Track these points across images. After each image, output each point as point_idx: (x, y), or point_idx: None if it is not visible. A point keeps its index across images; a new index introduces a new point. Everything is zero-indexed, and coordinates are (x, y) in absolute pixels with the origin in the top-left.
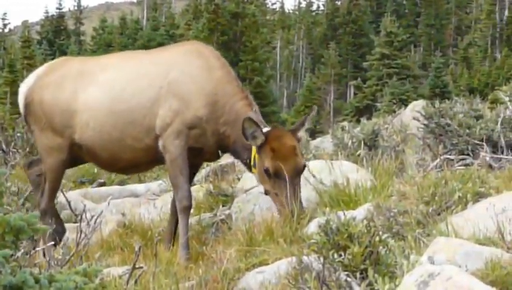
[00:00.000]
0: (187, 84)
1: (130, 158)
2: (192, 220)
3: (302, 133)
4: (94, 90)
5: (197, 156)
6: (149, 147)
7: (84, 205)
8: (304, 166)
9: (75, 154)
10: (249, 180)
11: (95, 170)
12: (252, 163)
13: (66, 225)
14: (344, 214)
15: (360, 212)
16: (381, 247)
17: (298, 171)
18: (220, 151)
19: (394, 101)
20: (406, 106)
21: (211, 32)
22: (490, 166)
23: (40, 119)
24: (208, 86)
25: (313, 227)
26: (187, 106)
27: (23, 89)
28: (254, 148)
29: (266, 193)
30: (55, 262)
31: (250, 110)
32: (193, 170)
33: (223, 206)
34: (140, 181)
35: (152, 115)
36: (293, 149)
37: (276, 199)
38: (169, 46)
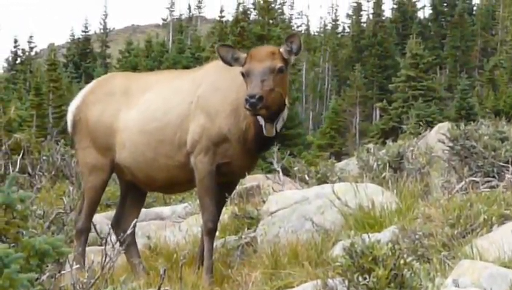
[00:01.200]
0: (213, 98)
1: (165, 177)
2: (218, 242)
3: (284, 51)
4: (133, 110)
5: (227, 173)
6: (182, 164)
7: (110, 228)
8: (280, 68)
9: (118, 174)
10: (275, 202)
11: None
12: None
13: (91, 248)
14: (369, 236)
15: (385, 235)
16: (406, 270)
17: (270, 68)
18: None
19: (420, 123)
20: (432, 128)
21: None
22: None
23: (85, 137)
24: (231, 95)
25: (338, 250)
26: (213, 121)
27: (71, 107)
28: None
29: None
30: (80, 285)
31: None
32: (227, 191)
33: (248, 229)
34: (165, 204)
35: (182, 131)
36: (271, 53)
37: None
38: (207, 64)
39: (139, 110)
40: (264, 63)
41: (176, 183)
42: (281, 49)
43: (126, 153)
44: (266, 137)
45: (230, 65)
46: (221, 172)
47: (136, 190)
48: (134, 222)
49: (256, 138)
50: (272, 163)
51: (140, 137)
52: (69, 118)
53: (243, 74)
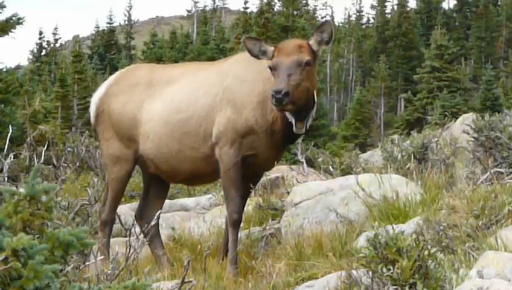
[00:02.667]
0: (240, 90)
1: (190, 169)
2: (242, 234)
3: (314, 43)
4: (157, 102)
5: (252, 164)
6: (207, 156)
7: (134, 220)
8: (308, 61)
9: (141, 166)
10: (299, 194)
11: None
12: None
13: (116, 239)
14: (393, 228)
15: (409, 226)
16: (430, 261)
17: (298, 62)
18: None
19: (445, 114)
20: (456, 118)
21: None
22: None
23: (108, 128)
24: (258, 87)
25: (362, 241)
26: (239, 113)
27: (94, 98)
28: None
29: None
30: (105, 277)
31: None
32: (251, 182)
33: (272, 220)
34: (190, 195)
35: (207, 123)
36: (299, 47)
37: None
38: (232, 56)
39: (163, 101)
40: (291, 57)
41: (200, 175)
42: (310, 42)
43: (150, 144)
44: (293, 130)
45: (258, 58)
46: (247, 164)
47: (159, 182)
48: (158, 213)
49: (283, 131)
50: (296, 154)
51: (164, 128)
52: (92, 109)
53: (270, 68)
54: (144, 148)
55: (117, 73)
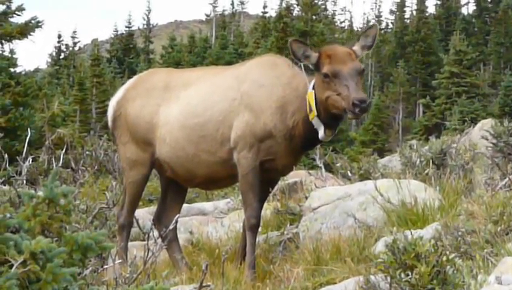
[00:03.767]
0: (258, 95)
1: (206, 173)
2: (260, 238)
3: (358, 49)
4: (174, 105)
5: (269, 169)
6: (224, 160)
7: (152, 223)
8: (363, 69)
9: (157, 169)
10: (317, 198)
11: None
12: (308, 110)
13: (134, 243)
14: (411, 233)
15: (427, 232)
16: (448, 267)
17: (358, 70)
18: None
19: (464, 119)
20: (475, 124)
21: (279, 51)
22: None
23: (125, 132)
24: (277, 92)
25: (380, 246)
26: (257, 117)
27: (112, 102)
28: (309, 93)
29: (326, 101)
30: (123, 280)
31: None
32: (268, 186)
33: (290, 224)
34: (208, 199)
35: (225, 127)
36: (349, 54)
37: (339, 97)
38: (248, 60)
39: (180, 105)
40: (350, 65)
41: (217, 179)
42: (354, 48)
43: (166, 148)
44: (314, 136)
45: (300, 61)
46: (264, 169)
47: (176, 186)
48: (176, 217)
49: (303, 137)
50: (314, 159)
51: (181, 132)
52: (110, 113)
53: (326, 75)
54: (161, 152)
55: (135, 77)
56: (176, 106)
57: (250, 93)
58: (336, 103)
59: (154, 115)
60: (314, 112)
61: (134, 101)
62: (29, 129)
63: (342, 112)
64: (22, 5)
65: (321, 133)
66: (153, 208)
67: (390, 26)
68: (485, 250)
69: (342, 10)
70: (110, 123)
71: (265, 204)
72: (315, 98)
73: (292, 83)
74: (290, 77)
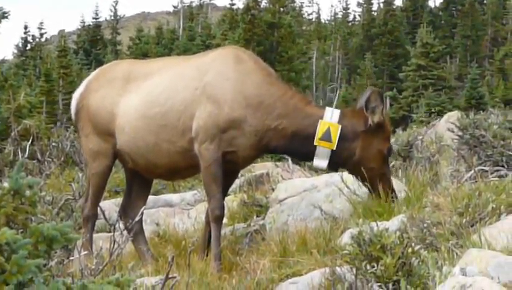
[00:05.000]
0: (222, 87)
1: (167, 163)
2: (226, 230)
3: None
4: (134, 95)
5: (230, 161)
6: (185, 150)
7: (118, 215)
8: None
9: (120, 161)
10: (284, 190)
11: None
12: (321, 134)
13: (100, 235)
14: (377, 225)
15: (393, 224)
16: (414, 258)
17: None
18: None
19: (430, 112)
20: (441, 117)
21: (246, 43)
22: None
23: (87, 123)
24: (248, 89)
25: (346, 238)
26: (221, 108)
27: (75, 95)
28: (325, 123)
29: (366, 172)
30: (88, 272)
31: (308, 102)
32: (229, 178)
33: (257, 216)
34: (174, 191)
35: (186, 117)
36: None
37: (380, 180)
38: (210, 51)
39: (140, 95)
40: None
41: (178, 169)
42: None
43: (126, 137)
44: (296, 151)
45: (366, 109)
46: (225, 160)
47: (141, 178)
48: (141, 209)
49: (283, 145)
50: None
51: (141, 122)
52: (73, 105)
53: (389, 149)
54: (121, 142)
55: (97, 70)
56: (137, 96)
57: (213, 85)
58: (373, 179)
59: (115, 106)
60: (334, 146)
61: (96, 92)
62: None
63: (359, 176)
64: None
65: (320, 163)
66: (120, 199)
67: (358, 18)
68: (450, 242)
69: (310, 2)
70: (73, 115)
71: (232, 196)
72: (352, 140)
73: (270, 89)
74: (264, 78)
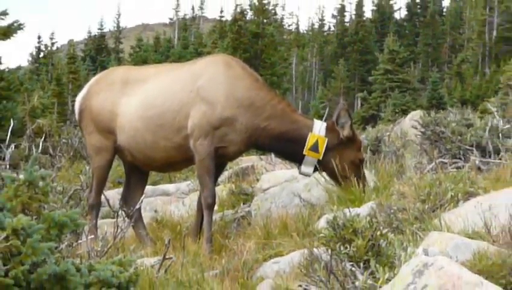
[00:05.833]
0: (215, 90)
1: (163, 157)
2: (216, 216)
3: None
4: (133, 98)
5: (221, 155)
6: (180, 145)
7: (120, 203)
8: None
9: (119, 155)
10: (267, 181)
11: None
12: (310, 145)
13: (105, 221)
14: (350, 211)
15: (364, 210)
16: (382, 240)
17: None
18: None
19: (396, 111)
20: (406, 115)
21: (234, 50)
22: (479, 168)
23: (90, 123)
24: (239, 92)
25: (322, 223)
26: (214, 108)
27: (78, 98)
28: (314, 135)
29: (342, 177)
30: (95, 253)
31: (294, 109)
32: (219, 170)
33: (243, 204)
34: (171, 181)
35: (181, 116)
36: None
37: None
38: (201, 58)
39: (139, 97)
40: None
41: (173, 162)
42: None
43: (126, 135)
44: (282, 151)
45: (336, 124)
46: (217, 154)
47: (138, 171)
48: (141, 198)
49: (269, 143)
50: None
51: (140, 122)
52: (76, 107)
53: (361, 160)
54: (121, 139)
55: (98, 75)
56: (135, 99)
57: (206, 88)
58: (346, 177)
59: (115, 107)
60: (320, 156)
61: (97, 95)
62: (12, 120)
63: (337, 181)
64: (5, 10)
65: (307, 170)
66: (122, 189)
67: (332, 28)
68: (414, 225)
69: (290, 14)
70: (77, 116)
71: (222, 186)
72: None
73: (260, 93)
74: (253, 85)
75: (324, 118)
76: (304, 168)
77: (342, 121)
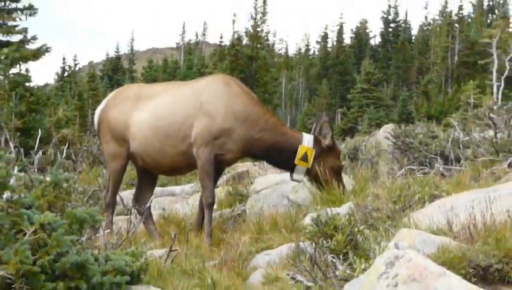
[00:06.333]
0: (214, 105)
1: (169, 162)
2: (216, 214)
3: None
4: (143, 111)
5: (220, 161)
6: (184, 152)
7: (132, 203)
8: None
9: (132, 161)
10: (260, 184)
11: None
12: (300, 156)
13: (119, 217)
14: (331, 210)
15: (343, 209)
16: (359, 236)
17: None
18: (239, 158)
19: (371, 124)
20: (380, 128)
21: (232, 71)
22: (442, 174)
23: (107, 132)
24: (237, 107)
25: (307, 220)
26: (213, 120)
27: (97, 111)
28: (303, 147)
29: (325, 181)
30: (111, 245)
31: (283, 124)
32: (218, 174)
33: (239, 203)
34: (177, 184)
35: (186, 127)
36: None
37: (335, 183)
38: (203, 77)
39: (149, 111)
40: None
41: (178, 167)
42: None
43: (138, 143)
44: (275, 161)
45: (319, 134)
46: (216, 160)
47: (148, 174)
48: (151, 199)
49: (261, 152)
50: None
51: (150, 131)
52: (95, 118)
53: (340, 167)
54: (133, 147)
55: (114, 91)
56: (146, 112)
57: (208, 103)
58: (327, 181)
59: (129, 118)
60: (309, 165)
61: (114, 108)
62: (39, 130)
63: (320, 184)
64: (35, 35)
65: (298, 177)
66: (134, 190)
67: (317, 53)
68: (387, 223)
69: (280, 40)
70: (96, 126)
71: (220, 188)
72: (316, 159)
73: (255, 108)
74: (248, 101)
75: (312, 131)
76: (295, 175)
77: (325, 132)
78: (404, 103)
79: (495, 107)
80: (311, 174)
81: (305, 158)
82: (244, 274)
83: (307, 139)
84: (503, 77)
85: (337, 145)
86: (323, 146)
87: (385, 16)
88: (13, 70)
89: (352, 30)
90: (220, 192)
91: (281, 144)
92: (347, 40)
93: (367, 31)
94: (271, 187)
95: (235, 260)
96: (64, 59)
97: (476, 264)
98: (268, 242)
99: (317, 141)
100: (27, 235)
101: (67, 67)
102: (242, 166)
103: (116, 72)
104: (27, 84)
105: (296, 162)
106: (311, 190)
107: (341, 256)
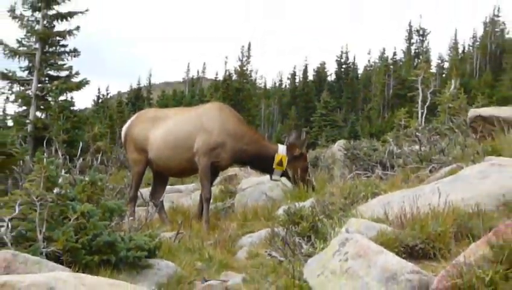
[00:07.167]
0: (212, 124)
1: (178, 167)
2: (212, 206)
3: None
4: (158, 128)
5: (215, 167)
6: (189, 159)
7: (149, 197)
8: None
9: (150, 166)
10: (245, 183)
11: None
12: (277, 162)
13: (140, 208)
14: (298, 204)
15: (307, 203)
16: (319, 223)
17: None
18: (231, 164)
19: (328, 140)
20: (335, 143)
21: (224, 99)
22: (381, 177)
23: (131, 144)
24: (229, 126)
25: (280, 211)
26: (211, 136)
27: (124, 128)
28: (279, 155)
29: (295, 176)
30: (133, 229)
31: (264, 138)
32: (214, 176)
33: (229, 198)
34: (182, 183)
35: (190, 140)
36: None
37: (303, 181)
38: (203, 104)
39: (163, 128)
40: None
41: (184, 170)
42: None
43: (154, 152)
44: (258, 166)
45: (296, 144)
46: (213, 166)
47: (161, 176)
48: (163, 195)
49: (248, 159)
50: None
51: (163, 144)
52: (122, 134)
53: (306, 167)
54: (151, 155)
55: (136, 113)
56: (160, 129)
57: (207, 123)
58: (298, 179)
59: (147, 134)
60: (284, 168)
61: (136, 126)
62: (80, 142)
63: (294, 182)
64: (77, 71)
65: (276, 177)
66: (151, 188)
67: (288, 86)
68: (339, 214)
69: (260, 76)
70: (122, 140)
71: (215, 187)
72: (289, 163)
73: (242, 127)
74: (237, 122)
75: (285, 143)
76: (274, 176)
77: (300, 142)
78: (353, 124)
79: (420, 128)
80: (286, 174)
81: (280, 163)
82: (233, 251)
83: (282, 149)
84: (426, 106)
85: (305, 153)
86: (295, 154)
87: (339, 59)
88: (61, 98)
89: (314, 69)
90: (215, 190)
91: (262, 153)
92: (310, 76)
93: (325, 70)
94: (253, 186)
95: (226, 241)
96: (99, 89)
97: (405, 244)
98: (251, 227)
99: (289, 150)
100: (71, 220)
101: (101, 96)
102: (231, 171)
103: (137, 99)
104: (71, 108)
105: (274, 166)
106: (284, 189)
107: (305, 238)
